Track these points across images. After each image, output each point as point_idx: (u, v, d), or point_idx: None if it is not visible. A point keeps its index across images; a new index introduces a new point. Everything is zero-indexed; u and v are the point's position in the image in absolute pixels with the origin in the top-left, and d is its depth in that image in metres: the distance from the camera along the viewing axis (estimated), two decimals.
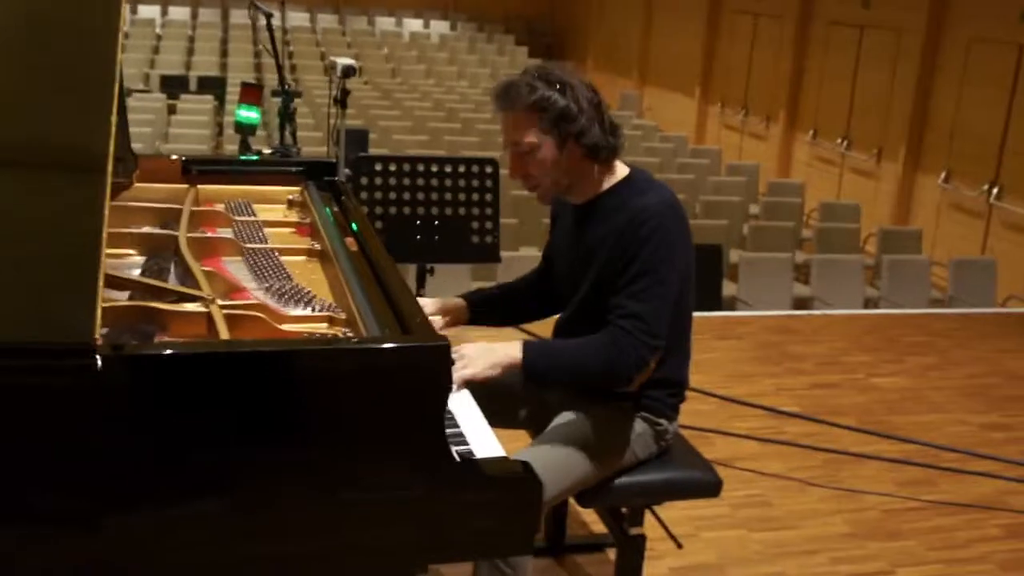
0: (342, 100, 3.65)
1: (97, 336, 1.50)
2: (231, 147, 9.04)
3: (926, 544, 3.39)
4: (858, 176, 10.77)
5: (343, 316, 2.11)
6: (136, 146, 3.02)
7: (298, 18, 17.02)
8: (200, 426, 1.58)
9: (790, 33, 11.87)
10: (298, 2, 17.16)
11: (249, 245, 2.54)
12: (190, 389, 1.56)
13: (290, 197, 3.00)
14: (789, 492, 3.65)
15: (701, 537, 3.26)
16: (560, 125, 2.27)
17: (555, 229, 2.66)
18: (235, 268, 2.42)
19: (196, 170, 2.96)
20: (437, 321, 2.56)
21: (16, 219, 1.61)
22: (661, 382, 2.45)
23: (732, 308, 6.59)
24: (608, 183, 2.40)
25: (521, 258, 5.44)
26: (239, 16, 16.15)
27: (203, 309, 2.02)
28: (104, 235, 1.63)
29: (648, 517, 2.70)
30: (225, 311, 2.00)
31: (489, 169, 3.62)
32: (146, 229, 2.63)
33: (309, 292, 2.25)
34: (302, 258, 2.58)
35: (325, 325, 2.11)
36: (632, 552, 2.56)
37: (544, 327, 2.78)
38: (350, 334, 2.02)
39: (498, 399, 2.45)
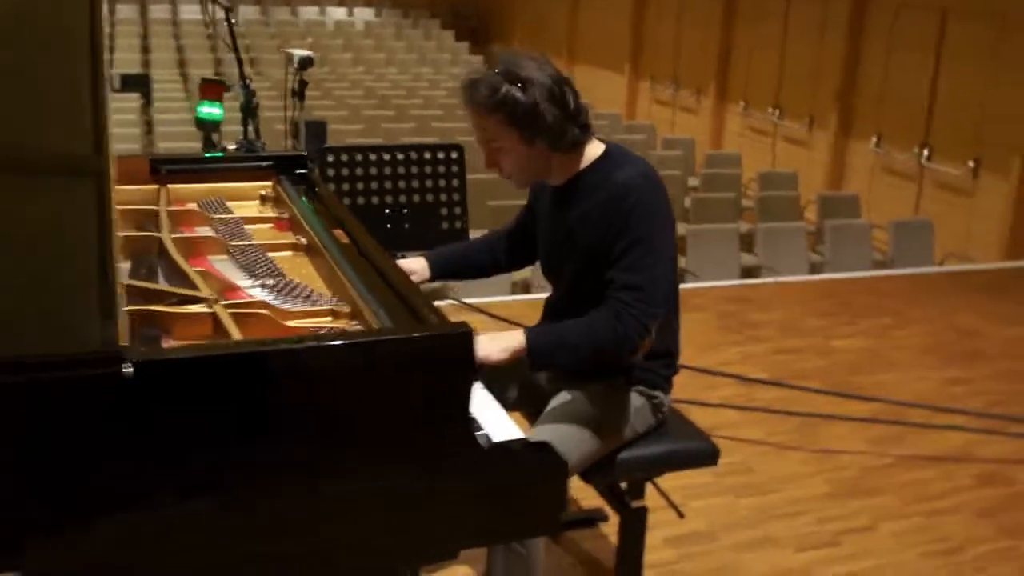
0: (300, 92, 3.60)
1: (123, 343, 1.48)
2: (166, 144, 8.88)
3: (904, 498, 3.48)
4: (791, 145, 10.94)
5: (346, 309, 2.08)
6: None
7: (219, 10, 16.71)
8: (235, 425, 1.56)
9: (717, 5, 12.00)
10: None
11: (234, 242, 2.50)
12: (226, 390, 1.54)
13: (262, 192, 2.95)
14: (768, 457, 3.71)
15: (690, 506, 3.31)
16: (522, 124, 2.27)
17: (534, 208, 2.67)
18: (223, 267, 2.38)
19: (165, 169, 2.90)
20: None
21: (20, 227, 1.56)
22: (654, 353, 2.48)
23: (682, 280, 6.67)
24: (585, 162, 2.41)
25: None
26: (159, 11, 15.84)
27: (207, 310, 1.99)
28: (115, 240, 1.60)
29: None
30: (230, 311, 1.98)
31: (455, 155, 3.60)
32: (124, 232, 2.57)
33: (306, 287, 2.23)
34: (288, 253, 2.54)
35: (329, 319, 2.08)
36: (635, 524, 2.59)
37: (533, 310, 2.79)
38: (359, 326, 2.01)
39: (485, 379, 2.46)
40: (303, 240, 2.56)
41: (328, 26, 16.88)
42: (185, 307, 1.99)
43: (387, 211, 3.52)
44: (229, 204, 2.87)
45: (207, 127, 3.09)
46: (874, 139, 9.66)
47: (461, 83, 2.33)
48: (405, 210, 3.54)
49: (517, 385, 2.64)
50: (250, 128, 3.35)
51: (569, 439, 2.31)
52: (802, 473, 3.62)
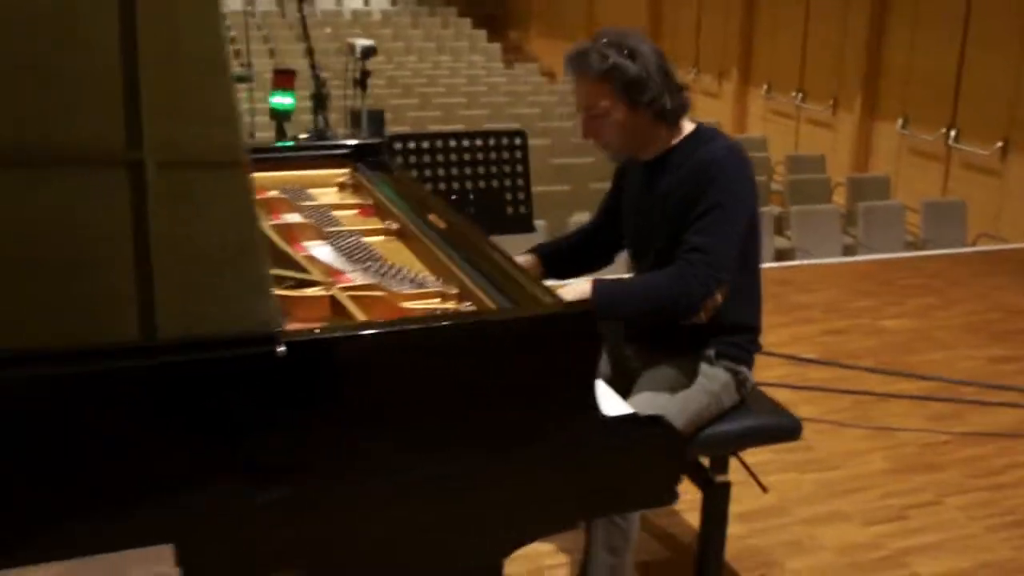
0: (362, 81, 3.66)
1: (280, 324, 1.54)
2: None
3: (966, 473, 3.54)
4: (815, 127, 10.97)
5: (454, 291, 2.14)
6: None
7: (233, 3, 16.74)
8: (383, 404, 1.62)
9: None
10: None
11: (329, 228, 2.56)
12: (376, 368, 1.61)
13: (340, 180, 3.02)
14: (826, 434, 3.77)
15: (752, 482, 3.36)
16: (631, 91, 2.37)
17: (621, 187, 2.73)
18: (321, 252, 2.44)
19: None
20: None
21: (183, 217, 1.62)
22: (739, 327, 2.55)
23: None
24: (676, 138, 2.50)
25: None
26: None
27: (324, 293, 2.05)
28: (258, 225, 1.66)
29: None
30: (347, 293, 2.04)
31: (518, 140, 3.66)
32: None
33: (408, 270, 2.29)
34: (381, 238, 2.61)
35: (438, 300, 2.14)
36: (720, 499, 2.66)
37: None
38: (472, 307, 2.07)
39: None
40: (394, 225, 2.62)
41: (345, 15, 16.91)
42: (303, 290, 2.06)
43: (452, 196, 3.59)
44: (310, 192, 2.93)
45: (280, 116, 3.15)
46: (900, 121, 9.68)
47: (567, 54, 2.43)
48: (471, 196, 3.60)
49: (609, 362, 2.71)
50: (320, 117, 3.41)
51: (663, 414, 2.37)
52: (861, 449, 3.68)
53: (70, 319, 1.50)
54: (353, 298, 2.03)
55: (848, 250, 7.25)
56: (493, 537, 1.82)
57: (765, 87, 11.70)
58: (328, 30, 15.68)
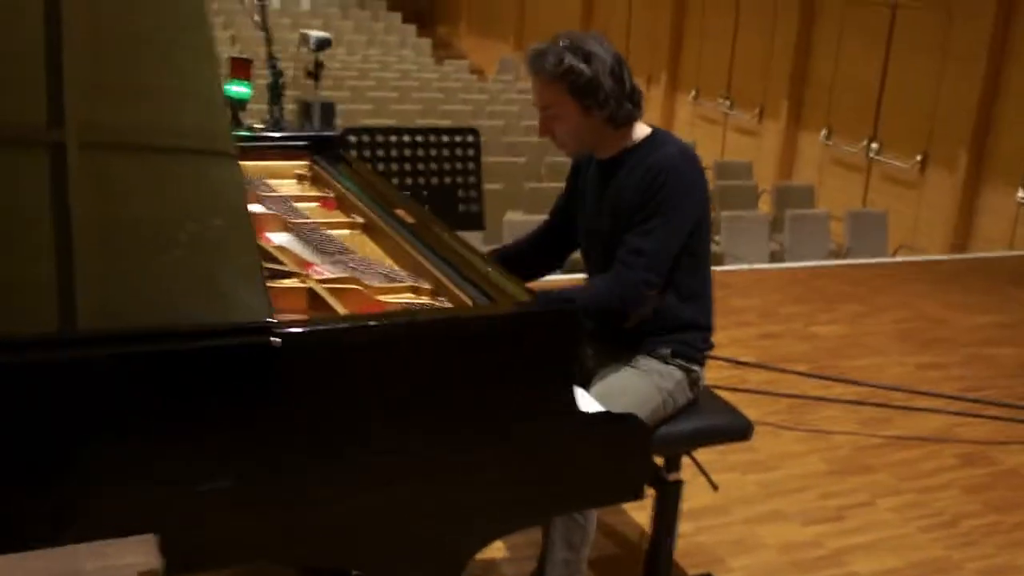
0: (316, 73, 3.63)
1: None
2: None
3: (896, 475, 3.66)
4: (741, 135, 11.18)
5: (427, 286, 2.15)
6: None
7: None
8: (373, 395, 1.62)
9: None
10: None
11: (295, 220, 2.54)
12: (368, 360, 1.61)
13: (299, 172, 2.99)
14: (766, 436, 3.86)
15: (700, 481, 3.43)
16: (583, 95, 2.44)
17: (574, 187, 2.77)
18: (288, 244, 2.42)
19: None
20: None
21: (172, 204, 1.60)
22: (691, 326, 2.60)
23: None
24: (632, 141, 2.55)
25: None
26: None
27: (301, 284, 2.04)
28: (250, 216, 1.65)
29: None
30: (324, 286, 2.03)
31: (471, 138, 3.67)
32: None
33: (380, 264, 2.29)
34: (346, 231, 2.59)
35: (410, 295, 2.15)
36: (672, 497, 2.70)
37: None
38: (447, 303, 2.07)
39: None
40: (360, 219, 2.61)
41: (274, 4, 16.66)
42: (280, 281, 2.04)
43: (405, 192, 3.58)
44: (268, 183, 2.90)
45: (235, 105, 3.11)
46: (824, 131, 9.93)
47: (528, 52, 2.48)
48: (424, 192, 3.60)
49: None
50: (276, 108, 3.37)
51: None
52: (799, 451, 3.78)
53: None
54: (330, 291, 2.03)
55: (775, 256, 7.41)
56: (467, 530, 1.83)
57: (693, 93, 11.89)
58: (256, 19, 15.43)
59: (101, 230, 1.53)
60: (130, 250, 1.54)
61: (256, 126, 3.26)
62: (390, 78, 12.26)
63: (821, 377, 4.40)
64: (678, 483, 2.71)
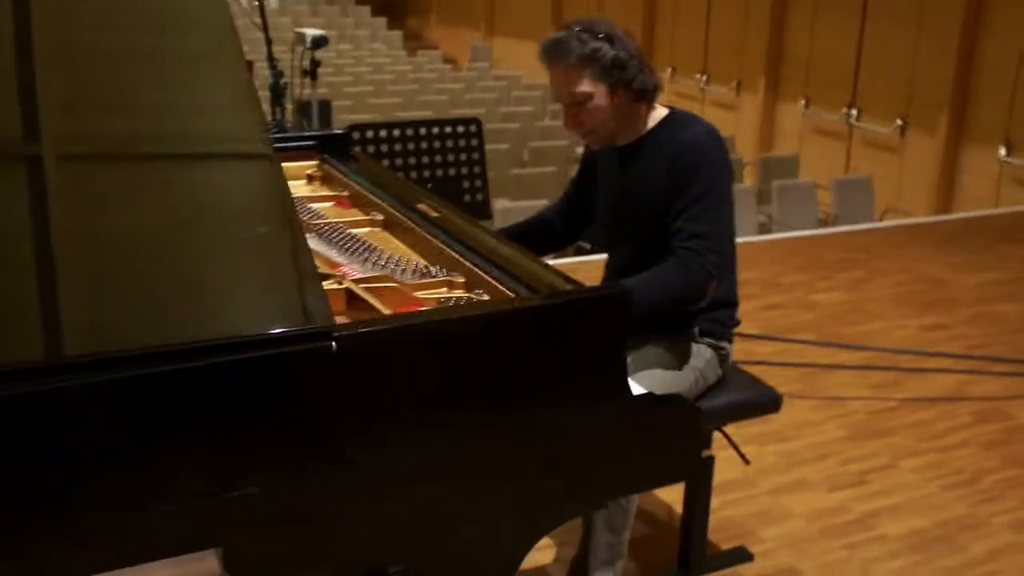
0: (312, 72, 3.62)
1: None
2: None
3: (914, 437, 3.70)
4: (720, 109, 11.21)
5: (461, 280, 2.15)
6: None
7: None
8: (430, 394, 1.63)
9: None
10: None
11: (315, 221, 2.53)
12: (425, 359, 1.61)
13: (309, 172, 2.99)
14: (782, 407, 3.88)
15: (723, 456, 3.45)
16: (612, 73, 2.42)
17: (589, 174, 2.77)
18: (313, 245, 2.41)
19: None
20: None
21: (222, 210, 1.60)
22: (719, 303, 2.62)
23: None
24: (652, 122, 2.54)
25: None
26: None
27: (338, 286, 2.04)
28: (298, 217, 1.65)
29: None
30: (362, 285, 2.03)
31: (473, 128, 3.67)
32: None
33: (408, 260, 2.29)
34: (366, 229, 2.59)
35: (445, 289, 2.15)
36: (705, 474, 2.73)
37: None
38: (484, 296, 2.08)
39: None
40: (379, 216, 2.61)
41: (243, 3, 16.54)
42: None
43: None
44: None
45: None
46: (803, 101, 9.97)
47: (543, 45, 2.44)
48: (429, 184, 3.60)
49: None
50: (277, 109, 3.36)
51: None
52: (815, 420, 3.81)
53: None
54: (369, 290, 2.03)
55: (763, 228, 7.45)
56: (522, 525, 1.84)
57: (669, 71, 11.90)
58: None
59: (83, 241, 1.51)
60: (119, 262, 1.52)
61: None
62: (365, 72, 12.22)
63: (828, 344, 4.44)
64: (710, 459, 2.74)
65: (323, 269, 2.14)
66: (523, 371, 1.71)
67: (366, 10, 16.58)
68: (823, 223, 7.58)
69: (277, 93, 3.36)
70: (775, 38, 10.25)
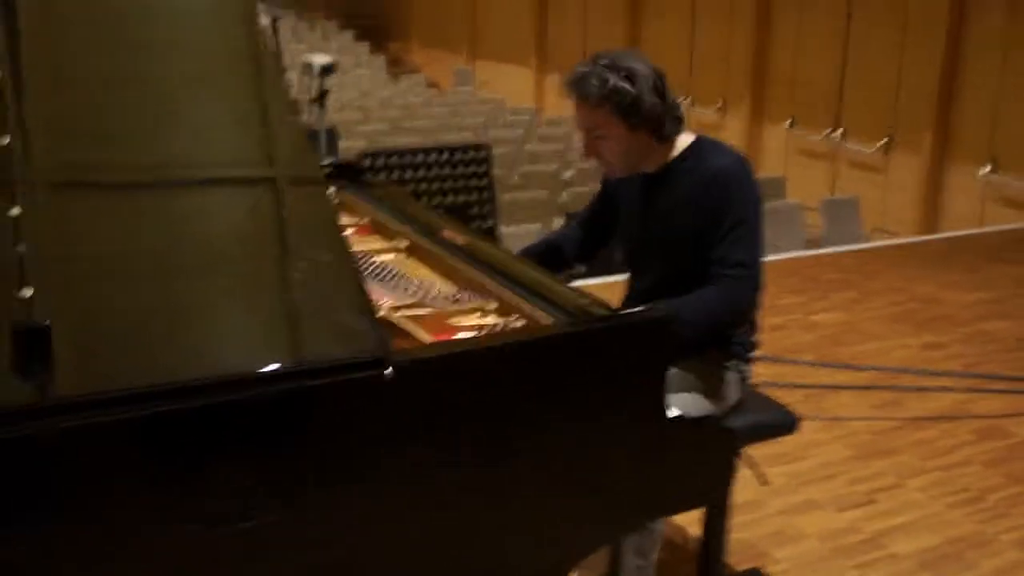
0: (321, 100, 3.66)
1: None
2: None
3: (918, 455, 3.75)
4: (705, 130, 11.23)
5: (493, 305, 2.18)
6: None
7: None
8: (477, 420, 1.66)
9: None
10: None
11: None
12: (472, 385, 1.64)
13: None
14: None
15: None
16: (630, 113, 2.45)
17: (610, 198, 2.80)
18: None
19: None
20: None
21: (277, 236, 1.63)
22: (744, 326, 2.67)
23: None
24: (678, 150, 2.58)
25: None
26: None
27: (380, 314, 2.06)
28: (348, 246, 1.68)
29: None
30: (398, 314, 2.06)
31: (482, 155, 3.72)
32: None
33: (439, 286, 2.31)
34: (391, 256, 2.61)
35: (478, 315, 2.18)
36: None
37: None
38: (517, 322, 2.11)
39: None
40: (403, 243, 2.63)
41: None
42: None
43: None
44: None
45: None
46: (788, 122, 10.08)
47: (569, 78, 2.47)
48: (439, 210, 3.64)
49: None
50: None
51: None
52: (821, 440, 3.86)
53: None
54: (408, 318, 2.06)
55: None
56: (562, 548, 1.87)
57: None
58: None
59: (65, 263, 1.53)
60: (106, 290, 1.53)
61: None
62: (352, 98, 12.25)
63: (830, 365, 4.49)
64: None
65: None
66: (569, 395, 1.75)
67: (349, 35, 16.63)
68: (811, 244, 7.66)
69: None
70: (759, 59, 10.37)
